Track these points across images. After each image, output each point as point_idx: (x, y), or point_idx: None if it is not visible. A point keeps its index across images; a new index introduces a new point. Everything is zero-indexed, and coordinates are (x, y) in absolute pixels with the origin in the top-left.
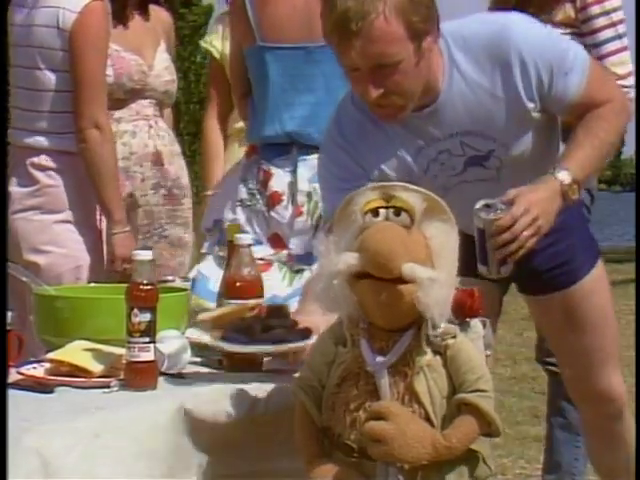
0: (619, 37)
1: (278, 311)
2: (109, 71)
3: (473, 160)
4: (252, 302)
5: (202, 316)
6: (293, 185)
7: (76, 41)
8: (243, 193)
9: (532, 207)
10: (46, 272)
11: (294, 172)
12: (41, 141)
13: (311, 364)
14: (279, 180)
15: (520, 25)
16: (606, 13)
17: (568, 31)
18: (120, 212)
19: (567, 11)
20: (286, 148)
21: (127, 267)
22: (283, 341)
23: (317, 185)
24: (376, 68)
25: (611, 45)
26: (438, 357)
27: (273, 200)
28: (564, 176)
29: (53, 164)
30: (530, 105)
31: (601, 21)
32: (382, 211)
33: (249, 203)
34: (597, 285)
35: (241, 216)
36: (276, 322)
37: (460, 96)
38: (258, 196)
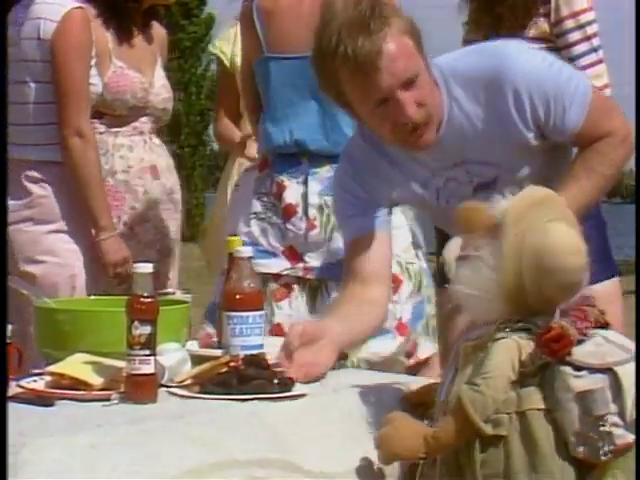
0: (594, 50)
1: (256, 361)
2: (96, 80)
3: (481, 186)
4: (227, 357)
5: (180, 376)
6: (305, 197)
7: (57, 49)
8: (257, 206)
9: None
10: (41, 282)
11: (305, 183)
12: (30, 153)
13: None
14: (292, 192)
15: (518, 57)
16: (580, 27)
17: (543, 46)
18: (106, 218)
19: (541, 26)
20: (296, 159)
21: (120, 271)
22: (261, 393)
23: (328, 198)
24: (404, 86)
25: (586, 58)
26: None
27: (288, 212)
28: None
29: (43, 175)
30: (529, 135)
31: (575, 35)
32: None
33: (264, 216)
34: (603, 307)
35: (255, 229)
36: (254, 373)
37: (460, 129)
38: (273, 208)
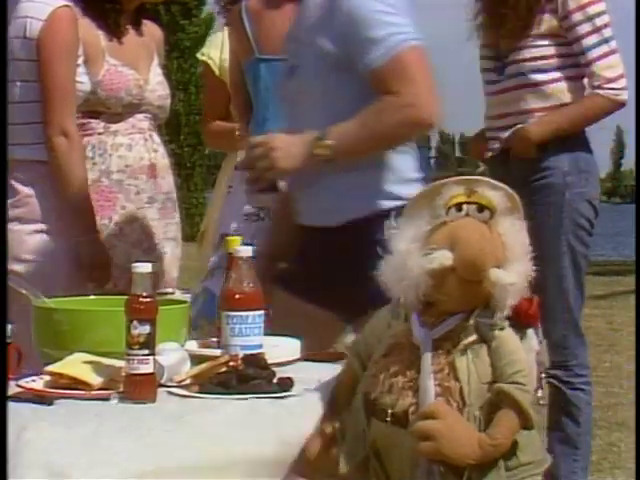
0: (605, 41)
1: (255, 361)
2: (84, 78)
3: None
4: (226, 356)
5: (179, 376)
6: None
7: (43, 49)
8: (249, 208)
9: (272, 140)
10: (27, 281)
11: None
12: (17, 152)
13: (365, 334)
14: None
15: None
16: (589, 19)
17: (554, 42)
18: (89, 219)
19: (550, 22)
20: None
21: (96, 275)
22: (260, 392)
23: None
24: None
25: (597, 50)
26: (484, 346)
27: None
28: (318, 132)
29: (30, 175)
30: (324, 40)
31: (585, 27)
32: (465, 206)
33: (255, 218)
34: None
35: (247, 231)
36: (253, 373)
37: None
38: (265, 209)
